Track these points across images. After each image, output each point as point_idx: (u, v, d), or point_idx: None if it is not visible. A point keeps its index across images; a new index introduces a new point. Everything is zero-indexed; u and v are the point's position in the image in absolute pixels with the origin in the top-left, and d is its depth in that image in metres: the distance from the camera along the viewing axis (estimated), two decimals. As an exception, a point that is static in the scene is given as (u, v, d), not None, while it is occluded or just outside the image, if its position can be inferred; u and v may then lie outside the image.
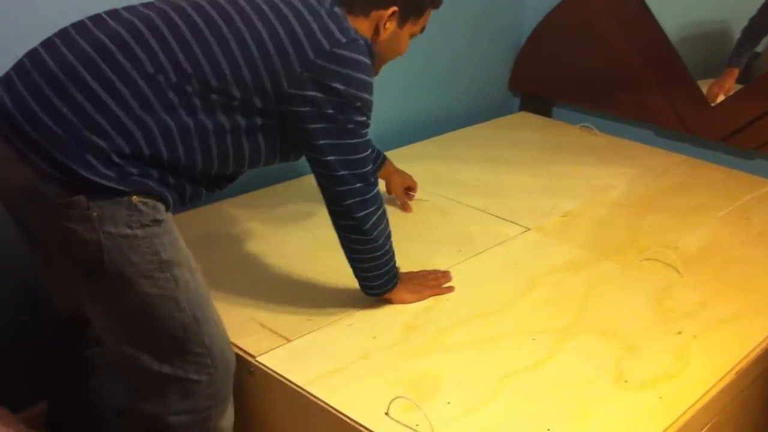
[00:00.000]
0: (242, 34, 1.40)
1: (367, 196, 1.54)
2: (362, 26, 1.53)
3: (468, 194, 2.25)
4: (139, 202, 1.35)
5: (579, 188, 2.34)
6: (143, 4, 1.46)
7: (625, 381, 1.54)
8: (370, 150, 1.56)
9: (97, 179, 1.31)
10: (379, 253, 1.61)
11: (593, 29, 2.76)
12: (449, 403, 1.45)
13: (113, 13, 1.43)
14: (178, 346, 1.42)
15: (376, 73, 1.58)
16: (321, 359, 1.55)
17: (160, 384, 1.45)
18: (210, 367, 1.45)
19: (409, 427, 1.38)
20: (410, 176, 2.18)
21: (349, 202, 1.52)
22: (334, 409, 1.42)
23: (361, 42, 1.48)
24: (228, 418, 1.53)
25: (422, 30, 1.66)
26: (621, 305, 1.79)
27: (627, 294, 1.84)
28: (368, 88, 1.49)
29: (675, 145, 2.68)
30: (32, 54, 1.39)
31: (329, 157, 1.48)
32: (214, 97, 1.39)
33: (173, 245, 1.41)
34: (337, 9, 1.48)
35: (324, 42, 1.43)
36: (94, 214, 1.32)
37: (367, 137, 1.54)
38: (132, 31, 1.37)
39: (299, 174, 2.28)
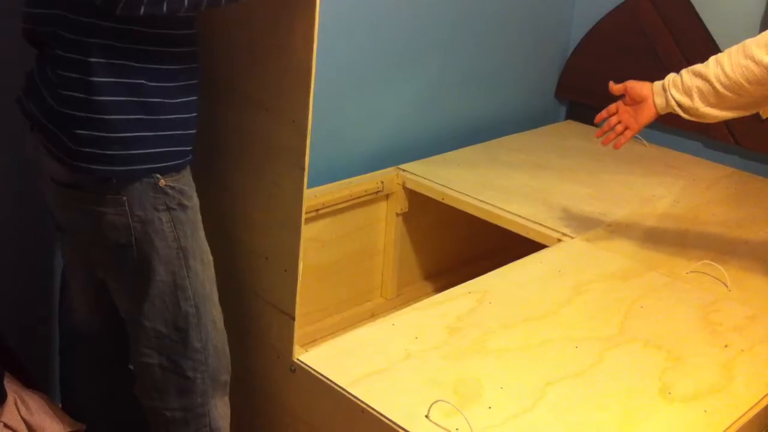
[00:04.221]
0: None
1: None
2: None
3: (514, 201, 2.23)
4: (166, 185, 1.39)
5: (626, 198, 2.32)
6: None
7: (669, 393, 1.52)
8: None
9: (121, 167, 1.34)
10: None
11: (643, 39, 2.72)
12: (490, 408, 1.44)
13: None
14: (177, 337, 1.47)
15: None
16: (362, 359, 1.54)
17: (158, 378, 1.50)
18: (204, 364, 1.50)
19: (450, 431, 1.37)
20: None
21: None
22: (375, 410, 1.41)
23: None
24: (224, 416, 1.57)
25: None
26: (667, 317, 1.76)
27: (673, 306, 1.81)
28: None
29: (724, 157, 2.64)
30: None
31: None
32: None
33: (193, 234, 1.45)
34: None
35: None
36: (124, 198, 1.37)
37: None
38: None
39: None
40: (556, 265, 1.94)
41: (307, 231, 2.23)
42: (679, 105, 1.79)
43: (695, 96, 1.76)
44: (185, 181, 1.44)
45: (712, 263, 1.95)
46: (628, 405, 1.48)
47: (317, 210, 2.19)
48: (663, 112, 1.83)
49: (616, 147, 1.93)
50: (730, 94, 1.73)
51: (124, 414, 1.68)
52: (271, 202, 1.55)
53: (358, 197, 2.29)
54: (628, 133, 1.89)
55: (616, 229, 2.13)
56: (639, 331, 1.70)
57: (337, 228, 2.29)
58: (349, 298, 2.39)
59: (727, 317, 1.78)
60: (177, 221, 1.42)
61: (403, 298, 2.45)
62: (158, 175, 1.38)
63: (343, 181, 2.29)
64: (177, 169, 1.41)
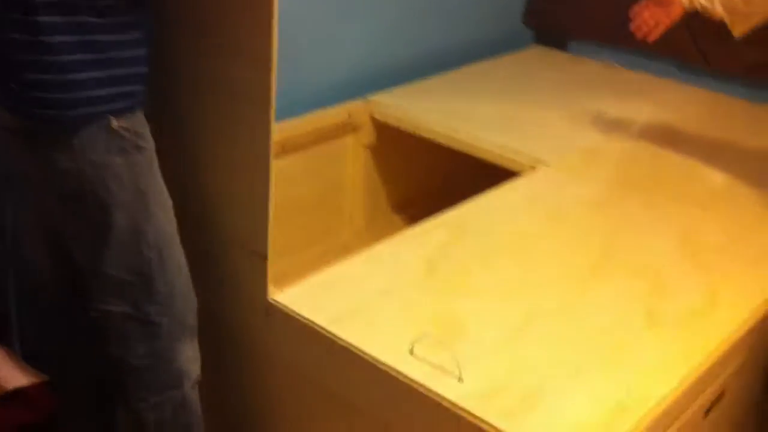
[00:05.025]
0: None
1: None
2: None
3: (484, 129, 2.17)
4: (119, 127, 1.32)
5: (599, 123, 2.26)
6: None
7: (654, 321, 1.49)
8: None
9: (71, 110, 1.27)
10: None
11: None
12: (474, 342, 1.40)
13: None
14: (141, 283, 1.41)
15: None
16: (339, 297, 1.49)
17: (122, 326, 1.44)
18: (170, 308, 1.44)
19: (436, 366, 1.33)
20: None
21: None
22: (358, 349, 1.36)
23: None
24: (193, 360, 1.51)
25: None
26: (647, 243, 1.73)
27: (652, 231, 1.77)
28: None
29: (696, 79, 2.59)
30: None
31: None
32: None
33: (151, 177, 1.39)
34: None
35: None
36: (76, 142, 1.29)
37: None
38: None
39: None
40: (531, 193, 1.90)
41: (273, 167, 2.18)
42: (702, 6, 1.83)
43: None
44: (139, 122, 1.36)
45: (689, 186, 1.92)
46: (614, 334, 1.45)
47: (283, 145, 2.12)
48: (690, 10, 1.88)
49: (650, 41, 1.98)
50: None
51: (86, 365, 1.62)
52: (237, 141, 1.47)
53: (325, 131, 2.22)
54: (661, 27, 1.96)
55: (590, 156, 2.08)
56: (620, 260, 1.66)
57: (304, 163, 2.22)
58: (318, 233, 2.34)
59: (707, 240, 1.75)
60: (133, 164, 1.35)
61: (372, 232, 2.39)
62: (111, 117, 1.31)
63: (309, 114, 2.21)
64: (130, 109, 1.34)
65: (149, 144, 1.38)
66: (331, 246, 2.35)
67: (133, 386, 1.48)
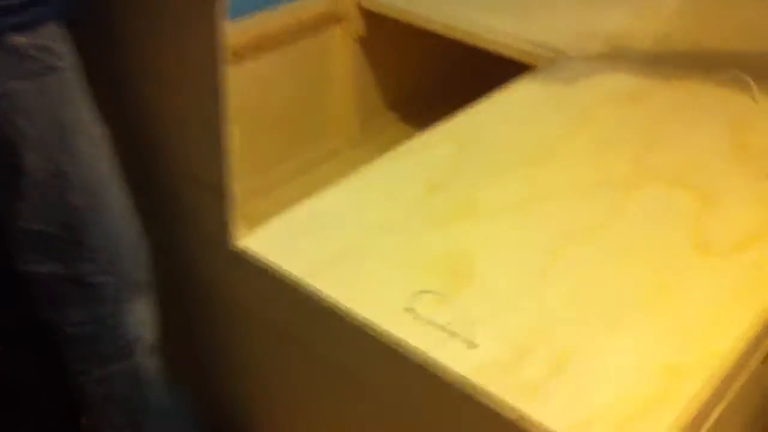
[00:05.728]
0: None
1: None
2: None
3: (489, 14, 1.87)
4: (23, 45, 1.03)
5: (623, 3, 1.96)
6: None
7: (708, 243, 1.22)
8: None
9: None
10: None
11: None
12: (487, 291, 1.13)
13: None
14: (69, 236, 1.14)
15: None
16: (323, 237, 1.22)
17: (54, 289, 1.18)
18: (111, 264, 1.18)
19: (440, 327, 1.06)
20: None
21: None
22: (343, 307, 1.10)
23: None
24: (144, 322, 1.26)
25: None
26: (690, 144, 1.45)
27: (696, 129, 1.49)
28: None
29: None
30: None
31: None
32: None
33: (72, 104, 1.10)
34: None
35: None
36: None
37: None
38: None
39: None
40: (551, 90, 1.60)
41: (250, 69, 1.90)
42: None
43: None
44: (51, 36, 1.07)
45: (736, 71, 1.63)
46: (657, 269, 1.18)
47: (258, 43, 1.84)
48: None
49: None
50: None
51: (28, 328, 1.38)
52: (180, 47, 1.17)
53: (307, 23, 1.94)
54: None
55: (618, 41, 1.78)
56: (661, 166, 1.39)
57: (284, 61, 1.94)
58: (305, 139, 2.07)
59: (762, 139, 1.47)
60: (45, 90, 1.07)
61: (367, 136, 2.13)
62: (11, 33, 1.02)
63: (286, 4, 1.91)
64: (39, 21, 1.05)
65: (67, 62, 1.09)
66: (321, 153, 2.10)
67: (71, 358, 1.23)
